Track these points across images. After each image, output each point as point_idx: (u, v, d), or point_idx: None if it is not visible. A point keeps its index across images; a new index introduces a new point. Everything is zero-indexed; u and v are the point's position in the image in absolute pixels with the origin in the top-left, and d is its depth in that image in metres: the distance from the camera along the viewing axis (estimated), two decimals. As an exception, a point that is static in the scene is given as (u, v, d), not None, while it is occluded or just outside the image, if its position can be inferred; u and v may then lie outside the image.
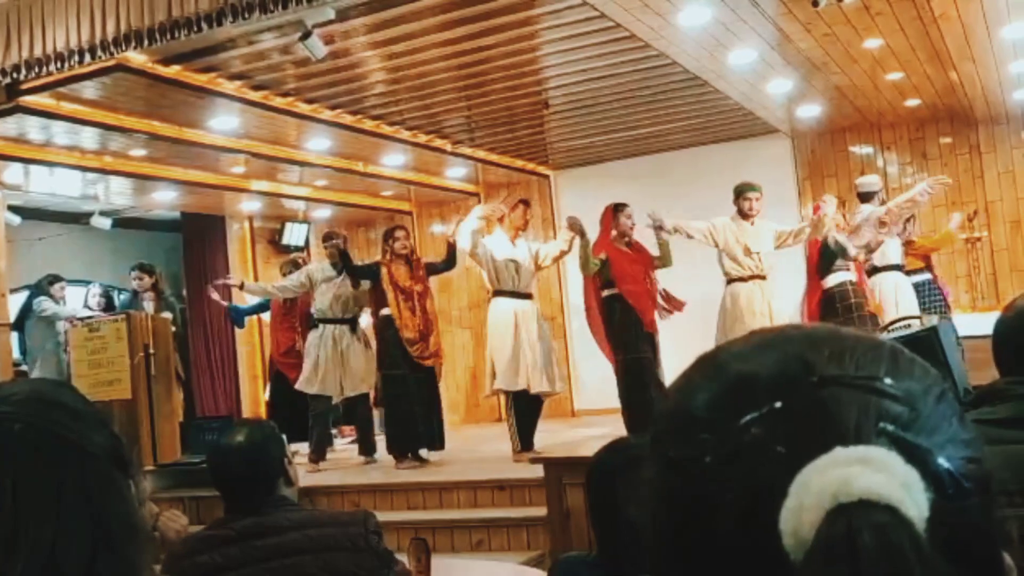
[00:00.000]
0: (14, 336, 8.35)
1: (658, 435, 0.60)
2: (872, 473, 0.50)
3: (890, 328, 5.69)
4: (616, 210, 7.14)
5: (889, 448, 0.51)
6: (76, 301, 9.24)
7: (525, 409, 7.03)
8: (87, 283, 11.40)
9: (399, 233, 7.53)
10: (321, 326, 7.81)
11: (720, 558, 0.54)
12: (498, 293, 7.21)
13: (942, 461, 0.52)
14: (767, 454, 0.53)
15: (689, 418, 0.58)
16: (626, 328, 6.87)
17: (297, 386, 7.80)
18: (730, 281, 7.16)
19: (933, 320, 5.14)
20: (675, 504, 0.57)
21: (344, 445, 8.97)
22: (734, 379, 0.57)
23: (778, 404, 0.54)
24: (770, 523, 0.51)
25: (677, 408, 0.59)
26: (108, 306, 8.82)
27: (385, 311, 7.34)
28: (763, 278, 7.12)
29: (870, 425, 0.53)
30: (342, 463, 7.88)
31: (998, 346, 1.90)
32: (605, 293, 7.00)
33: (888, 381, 0.55)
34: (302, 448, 7.51)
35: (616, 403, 6.96)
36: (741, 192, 7.22)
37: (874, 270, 7.68)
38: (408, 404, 7.19)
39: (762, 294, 7.08)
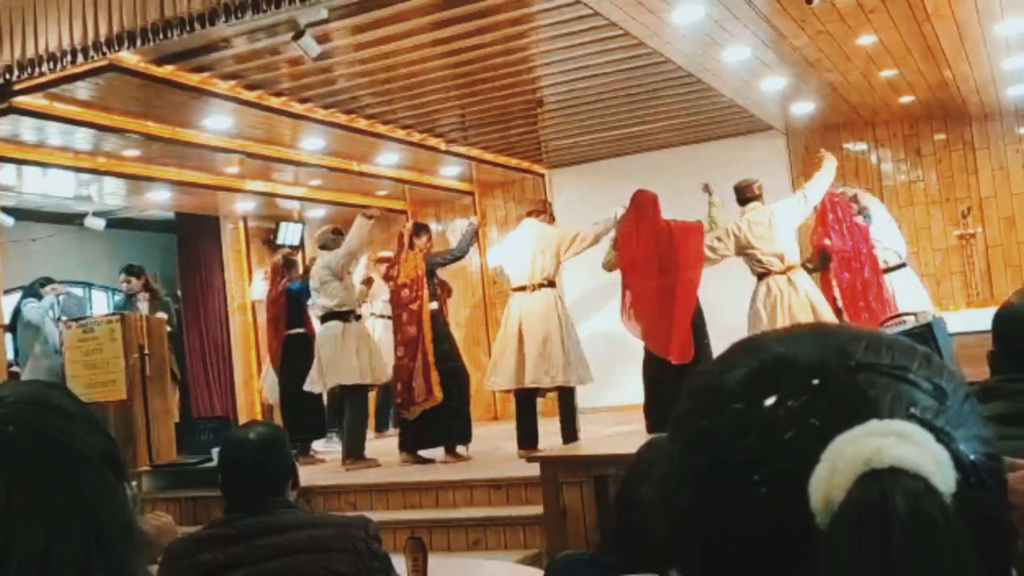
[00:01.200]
0: (8, 338, 8.34)
1: (686, 411, 0.61)
2: (906, 444, 0.52)
3: (886, 324, 5.69)
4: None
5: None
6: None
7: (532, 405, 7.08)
8: (82, 284, 11.40)
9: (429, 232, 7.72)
10: (353, 319, 7.80)
11: (740, 535, 0.55)
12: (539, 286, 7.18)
13: (966, 451, 0.54)
14: (801, 426, 0.55)
15: (724, 391, 0.59)
16: (700, 312, 6.78)
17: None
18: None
19: (929, 316, 5.14)
20: (698, 478, 0.58)
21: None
22: (772, 359, 0.59)
23: (815, 381, 0.56)
24: (797, 494, 0.52)
25: (711, 383, 0.61)
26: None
27: (433, 305, 7.35)
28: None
29: (902, 409, 0.55)
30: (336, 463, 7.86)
31: (993, 343, 1.91)
32: None
33: (921, 373, 0.57)
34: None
35: (614, 402, 6.92)
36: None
37: (888, 269, 7.54)
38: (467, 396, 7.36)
39: None
